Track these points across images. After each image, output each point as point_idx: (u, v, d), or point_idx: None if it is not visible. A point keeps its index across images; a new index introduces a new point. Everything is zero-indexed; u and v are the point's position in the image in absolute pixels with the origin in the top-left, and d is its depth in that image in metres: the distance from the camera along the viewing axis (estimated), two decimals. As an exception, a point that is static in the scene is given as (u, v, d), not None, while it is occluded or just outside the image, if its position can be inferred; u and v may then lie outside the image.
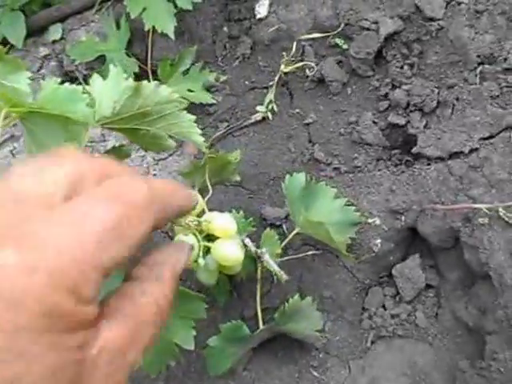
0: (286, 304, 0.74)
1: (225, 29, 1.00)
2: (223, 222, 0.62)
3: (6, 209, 0.27)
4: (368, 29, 0.88)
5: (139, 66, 0.98)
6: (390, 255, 0.83)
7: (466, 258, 0.76)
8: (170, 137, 0.61)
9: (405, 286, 0.82)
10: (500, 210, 0.72)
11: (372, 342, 0.82)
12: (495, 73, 0.81)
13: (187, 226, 0.59)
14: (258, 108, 0.94)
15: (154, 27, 0.93)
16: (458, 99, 0.83)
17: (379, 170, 0.86)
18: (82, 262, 0.26)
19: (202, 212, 0.65)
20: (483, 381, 0.71)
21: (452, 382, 0.76)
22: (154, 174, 0.95)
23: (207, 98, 0.97)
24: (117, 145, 0.93)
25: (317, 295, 0.82)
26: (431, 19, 0.84)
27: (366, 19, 0.88)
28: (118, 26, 1.00)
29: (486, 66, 0.81)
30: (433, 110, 0.84)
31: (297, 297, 0.75)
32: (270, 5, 0.96)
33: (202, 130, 0.63)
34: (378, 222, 0.82)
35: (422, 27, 0.85)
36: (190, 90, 0.97)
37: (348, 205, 0.81)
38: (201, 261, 0.60)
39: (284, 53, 0.93)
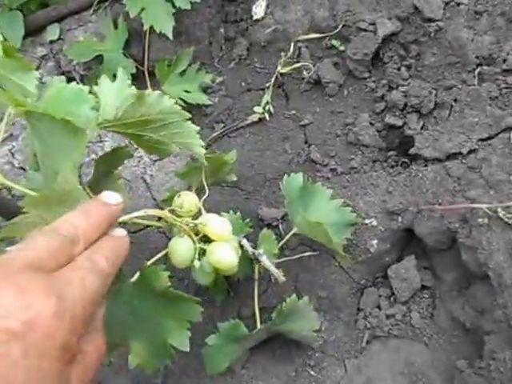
0: (283, 304, 0.74)
1: (221, 30, 1.00)
2: (218, 227, 0.63)
3: None
4: (365, 30, 0.88)
5: (136, 67, 0.98)
6: (386, 256, 0.83)
7: (464, 259, 0.76)
8: (172, 142, 0.61)
9: (400, 286, 0.82)
10: (499, 210, 0.72)
11: (367, 342, 0.82)
12: (494, 74, 0.81)
13: (183, 228, 0.60)
14: (255, 109, 0.94)
15: (152, 27, 0.93)
16: (456, 100, 0.83)
17: (376, 171, 0.86)
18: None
19: (199, 213, 0.65)
20: (482, 380, 0.71)
21: (450, 382, 0.76)
22: (151, 175, 0.95)
23: (204, 99, 0.97)
24: (114, 146, 0.94)
25: (313, 295, 0.82)
26: (430, 20, 0.84)
27: (364, 20, 0.88)
28: (116, 27, 1.00)
29: (485, 67, 0.81)
30: (430, 112, 0.84)
31: (294, 297, 0.75)
32: (267, 6, 0.96)
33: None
34: (374, 222, 0.82)
35: (420, 28, 0.85)
36: (186, 91, 0.97)
37: (344, 206, 0.81)
38: (196, 263, 0.61)
39: (281, 54, 0.93)
